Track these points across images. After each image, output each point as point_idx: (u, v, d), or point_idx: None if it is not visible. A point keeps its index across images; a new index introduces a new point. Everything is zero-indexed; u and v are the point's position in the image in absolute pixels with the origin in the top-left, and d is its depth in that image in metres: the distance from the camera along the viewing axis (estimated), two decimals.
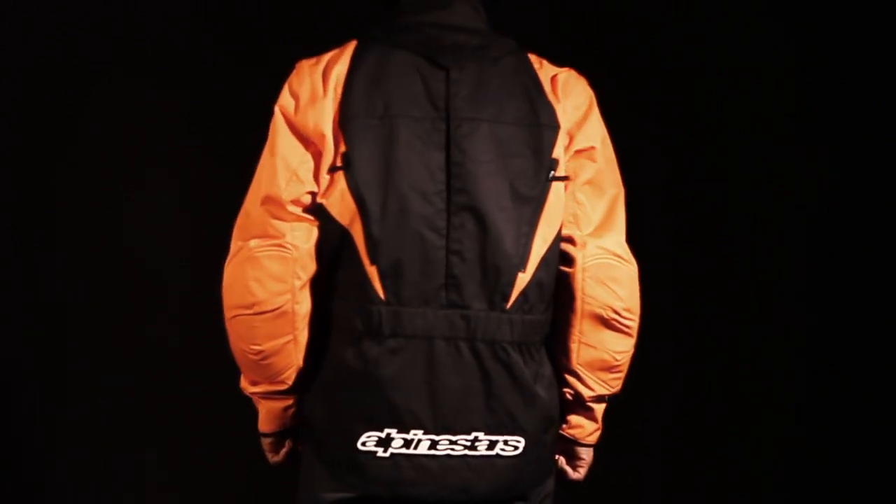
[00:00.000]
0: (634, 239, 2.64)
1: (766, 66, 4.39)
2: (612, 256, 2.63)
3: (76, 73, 4.21)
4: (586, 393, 2.69)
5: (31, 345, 4.25)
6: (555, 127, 2.59)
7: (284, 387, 2.64)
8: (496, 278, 2.53)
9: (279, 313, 2.56)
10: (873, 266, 4.38)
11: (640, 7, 4.35)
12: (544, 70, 2.68)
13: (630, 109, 4.14)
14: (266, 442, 2.76)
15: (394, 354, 2.52)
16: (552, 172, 2.58)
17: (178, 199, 4.29)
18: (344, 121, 2.54)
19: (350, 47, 2.65)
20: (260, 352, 2.59)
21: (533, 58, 2.69)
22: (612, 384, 2.71)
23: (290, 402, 2.68)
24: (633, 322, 2.68)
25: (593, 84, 2.72)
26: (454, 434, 2.54)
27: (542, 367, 2.62)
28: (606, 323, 2.64)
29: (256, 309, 2.55)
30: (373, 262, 2.52)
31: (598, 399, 2.73)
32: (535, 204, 2.56)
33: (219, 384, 4.33)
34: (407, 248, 2.51)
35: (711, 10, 4.37)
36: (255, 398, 2.70)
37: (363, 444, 2.54)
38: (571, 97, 2.66)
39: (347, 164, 2.52)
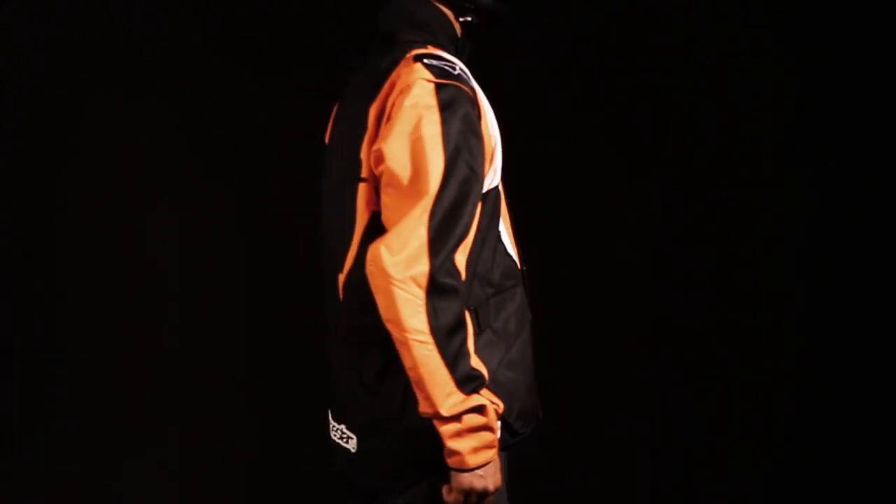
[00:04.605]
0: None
1: (765, 72, 4.40)
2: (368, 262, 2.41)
3: (76, 76, 4.22)
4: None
5: (30, 345, 4.27)
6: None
7: None
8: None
9: None
10: (873, 269, 4.39)
11: (641, 11, 4.36)
12: None
13: (630, 114, 4.15)
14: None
15: None
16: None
17: (178, 200, 4.29)
18: None
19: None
20: None
21: None
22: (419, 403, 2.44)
23: None
24: (398, 335, 2.39)
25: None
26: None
27: (381, 368, 2.49)
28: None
29: None
30: None
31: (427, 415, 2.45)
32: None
33: (217, 384, 4.34)
34: None
35: (712, 12, 4.38)
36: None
37: None
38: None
39: None
